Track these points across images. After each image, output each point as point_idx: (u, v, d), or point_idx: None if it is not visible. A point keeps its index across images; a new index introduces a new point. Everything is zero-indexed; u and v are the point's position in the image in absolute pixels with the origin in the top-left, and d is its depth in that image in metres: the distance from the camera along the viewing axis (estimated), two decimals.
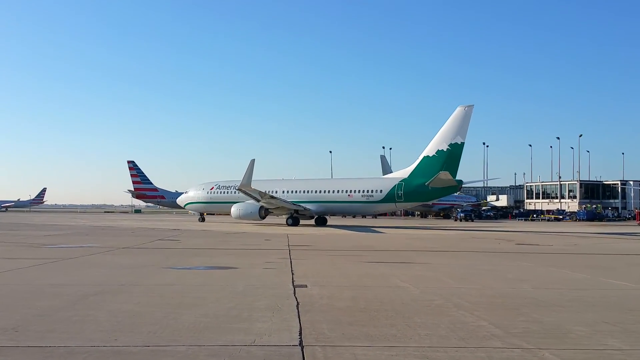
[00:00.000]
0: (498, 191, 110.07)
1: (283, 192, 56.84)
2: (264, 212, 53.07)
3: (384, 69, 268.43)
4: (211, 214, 68.25)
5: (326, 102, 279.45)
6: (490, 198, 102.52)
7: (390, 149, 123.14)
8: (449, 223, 67.59)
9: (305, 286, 11.23)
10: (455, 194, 77.47)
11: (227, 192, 57.37)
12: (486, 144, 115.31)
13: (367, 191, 53.07)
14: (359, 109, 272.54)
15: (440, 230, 45.48)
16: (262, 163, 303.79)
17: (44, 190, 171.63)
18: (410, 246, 25.21)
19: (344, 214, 65.40)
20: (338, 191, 55.17)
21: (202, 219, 63.28)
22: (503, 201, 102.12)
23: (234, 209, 53.88)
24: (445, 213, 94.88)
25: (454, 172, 48.98)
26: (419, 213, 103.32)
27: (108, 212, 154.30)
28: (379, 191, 52.45)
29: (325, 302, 9.49)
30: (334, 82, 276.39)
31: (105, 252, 19.41)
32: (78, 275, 12.75)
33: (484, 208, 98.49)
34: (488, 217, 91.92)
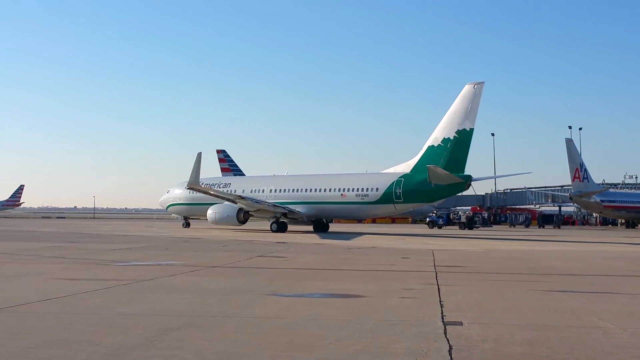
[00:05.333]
0: None
1: (270, 190, 61.68)
2: (242, 216, 57.69)
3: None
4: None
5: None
6: None
7: (580, 129, 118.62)
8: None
9: (461, 323, 11.05)
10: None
11: None
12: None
13: (362, 190, 56.40)
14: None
15: None
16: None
17: (20, 188, 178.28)
18: (610, 269, 24.23)
19: (338, 217, 68.64)
20: (330, 190, 58.68)
21: (187, 224, 69.51)
22: None
23: (209, 212, 59.16)
24: None
25: (461, 165, 51.65)
26: (623, 221, 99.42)
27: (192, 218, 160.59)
28: (374, 189, 55.61)
29: (489, 346, 9.28)
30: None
31: (189, 272, 20.22)
32: (156, 303, 13.29)
33: None
34: None
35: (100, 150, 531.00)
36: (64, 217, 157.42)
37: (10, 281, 17.53)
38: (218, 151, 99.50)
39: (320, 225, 62.44)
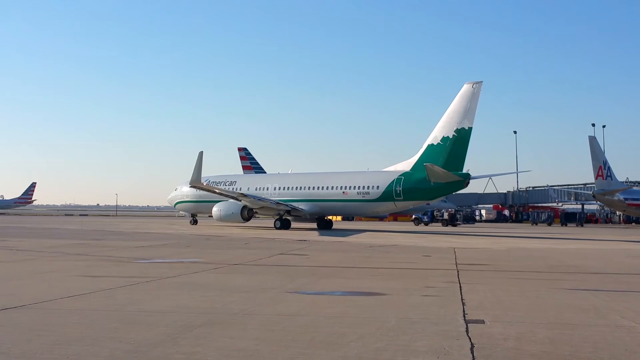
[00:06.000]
0: None
1: (275, 188, 63.56)
2: (246, 213, 59.54)
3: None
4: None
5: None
6: None
7: (604, 126, 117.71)
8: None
9: (482, 322, 11.04)
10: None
11: None
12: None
13: (363, 187, 57.98)
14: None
15: None
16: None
17: (32, 185, 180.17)
18: (634, 267, 24.11)
19: (340, 214, 71.88)
20: (332, 188, 60.44)
21: (194, 222, 71.24)
22: None
23: (215, 209, 61.04)
24: None
25: (460, 163, 53.05)
26: None
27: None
28: (375, 187, 57.10)
29: (511, 344, 9.25)
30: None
31: (212, 269, 20.31)
32: (178, 300, 13.36)
33: None
34: None
35: (122, 148, 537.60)
36: (86, 215, 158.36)
37: (35, 278, 17.70)
38: (239, 149, 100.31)
39: (323, 222, 63.71)
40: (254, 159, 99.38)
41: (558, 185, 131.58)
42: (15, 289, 14.96)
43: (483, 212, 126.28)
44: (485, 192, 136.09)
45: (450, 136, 53.03)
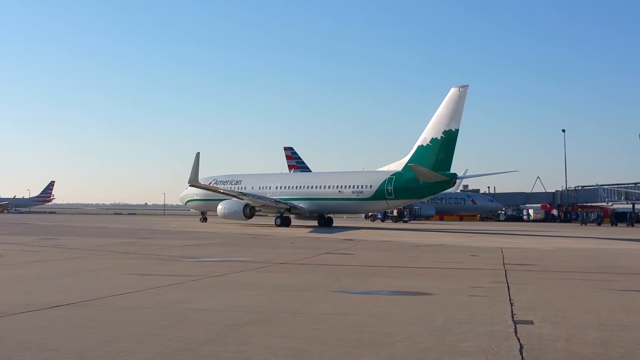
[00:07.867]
0: None
1: (277, 187, 66.49)
2: (249, 211, 62.25)
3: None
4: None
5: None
6: None
7: None
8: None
9: (531, 322, 10.91)
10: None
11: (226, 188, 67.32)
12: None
13: (357, 187, 60.80)
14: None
15: None
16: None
17: (51, 184, 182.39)
18: None
19: (336, 212, 73.22)
20: (329, 187, 63.35)
21: (204, 219, 74.08)
22: None
23: (219, 207, 63.96)
24: None
25: (448, 164, 55.32)
26: None
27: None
28: (368, 187, 59.86)
29: (561, 346, 9.13)
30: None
31: (258, 268, 20.41)
32: (225, 299, 13.45)
33: None
34: None
35: (170, 148, 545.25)
36: (134, 214, 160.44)
37: (85, 276, 17.97)
38: (285, 148, 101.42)
39: (324, 220, 66.50)
40: (300, 157, 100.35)
41: (608, 185, 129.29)
42: (65, 287, 15.21)
43: (531, 211, 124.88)
44: (533, 191, 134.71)
45: (439, 138, 55.19)
